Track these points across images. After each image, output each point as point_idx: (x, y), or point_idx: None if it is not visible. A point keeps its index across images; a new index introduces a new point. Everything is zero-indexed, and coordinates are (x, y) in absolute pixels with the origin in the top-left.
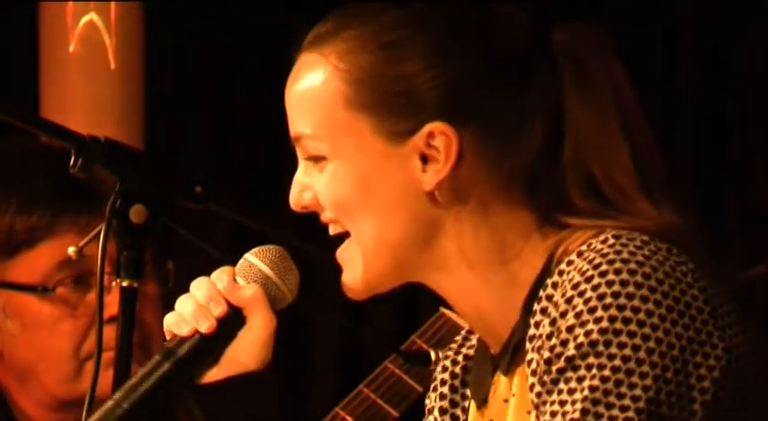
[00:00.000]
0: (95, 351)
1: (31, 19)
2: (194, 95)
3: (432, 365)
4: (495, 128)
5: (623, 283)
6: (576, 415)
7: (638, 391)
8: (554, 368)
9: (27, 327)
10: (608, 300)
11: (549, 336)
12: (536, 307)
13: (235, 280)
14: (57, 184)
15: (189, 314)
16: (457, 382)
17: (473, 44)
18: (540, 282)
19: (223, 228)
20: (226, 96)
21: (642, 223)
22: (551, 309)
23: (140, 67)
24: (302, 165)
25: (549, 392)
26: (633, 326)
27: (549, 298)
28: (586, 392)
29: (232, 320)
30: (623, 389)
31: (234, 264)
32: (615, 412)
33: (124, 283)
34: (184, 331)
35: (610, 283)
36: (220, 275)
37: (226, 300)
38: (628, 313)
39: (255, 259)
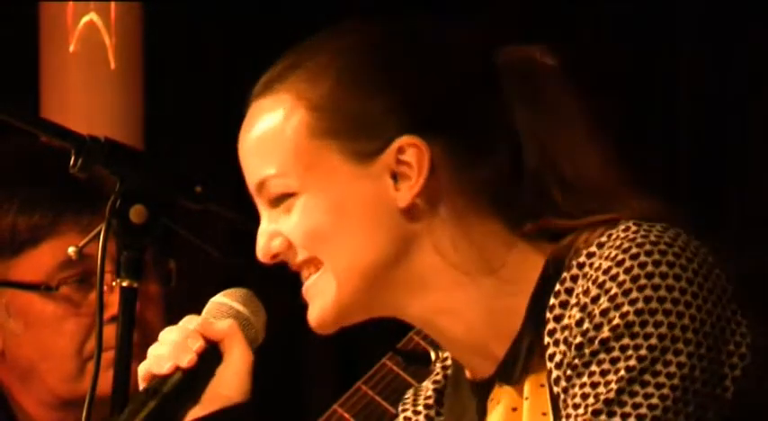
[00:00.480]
0: (95, 351)
1: (31, 19)
2: (194, 95)
3: (431, 364)
4: (462, 140)
5: (656, 263)
6: (612, 394)
7: (672, 368)
8: (587, 351)
9: (30, 326)
10: (642, 280)
11: (579, 323)
12: (553, 301)
13: (208, 319)
14: (59, 184)
15: (167, 353)
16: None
17: (432, 62)
18: (544, 284)
19: (223, 229)
20: (226, 96)
21: (638, 213)
22: (579, 297)
23: (140, 67)
24: (265, 216)
25: (580, 375)
26: (668, 305)
27: (569, 291)
28: (622, 373)
29: (210, 355)
30: (658, 367)
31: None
32: (651, 389)
33: (124, 283)
34: (164, 369)
35: (642, 265)
36: (190, 319)
37: (202, 336)
38: (663, 292)
39: (225, 298)
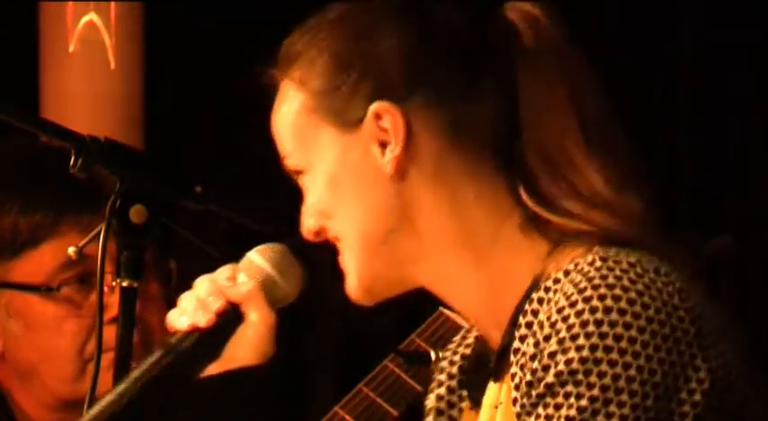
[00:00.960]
0: (95, 351)
1: (31, 19)
2: (194, 95)
3: (431, 365)
4: (442, 103)
5: (606, 310)
6: None
7: (615, 420)
8: (534, 392)
9: (30, 327)
10: (590, 327)
11: (533, 358)
12: (521, 320)
13: (236, 277)
14: (59, 184)
15: (189, 309)
16: (454, 383)
17: (407, 23)
18: (530, 292)
19: (223, 229)
20: (226, 96)
21: (618, 225)
22: (536, 328)
23: (140, 67)
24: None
25: (529, 414)
26: (614, 355)
27: (535, 313)
28: None
29: (231, 316)
30: (600, 419)
31: (236, 262)
32: None
33: (124, 283)
34: (184, 325)
35: (593, 310)
36: (223, 272)
37: (225, 296)
38: (609, 342)
39: (257, 256)
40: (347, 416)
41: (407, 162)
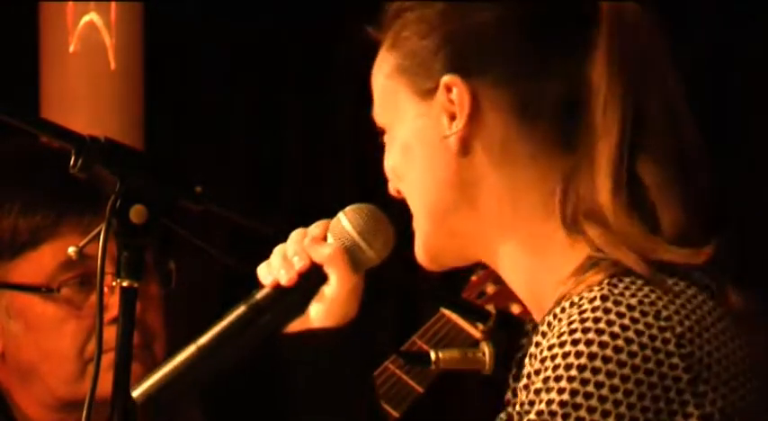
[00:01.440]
0: (95, 352)
1: (31, 19)
2: (194, 95)
3: (432, 366)
4: (513, 85)
5: (591, 357)
6: None
7: None
8: None
9: (31, 328)
10: (573, 371)
11: (525, 388)
12: (532, 339)
13: (325, 236)
14: (60, 185)
15: (275, 266)
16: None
17: (502, 3)
18: (554, 306)
19: (223, 229)
20: (225, 96)
21: (658, 253)
22: (532, 361)
23: (140, 67)
24: None
25: None
26: (593, 402)
27: (544, 335)
28: None
29: (314, 276)
30: None
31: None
32: None
33: (124, 283)
34: (267, 281)
35: (578, 354)
36: (313, 229)
37: (309, 257)
38: (590, 388)
39: (344, 218)
40: None
41: (473, 139)
